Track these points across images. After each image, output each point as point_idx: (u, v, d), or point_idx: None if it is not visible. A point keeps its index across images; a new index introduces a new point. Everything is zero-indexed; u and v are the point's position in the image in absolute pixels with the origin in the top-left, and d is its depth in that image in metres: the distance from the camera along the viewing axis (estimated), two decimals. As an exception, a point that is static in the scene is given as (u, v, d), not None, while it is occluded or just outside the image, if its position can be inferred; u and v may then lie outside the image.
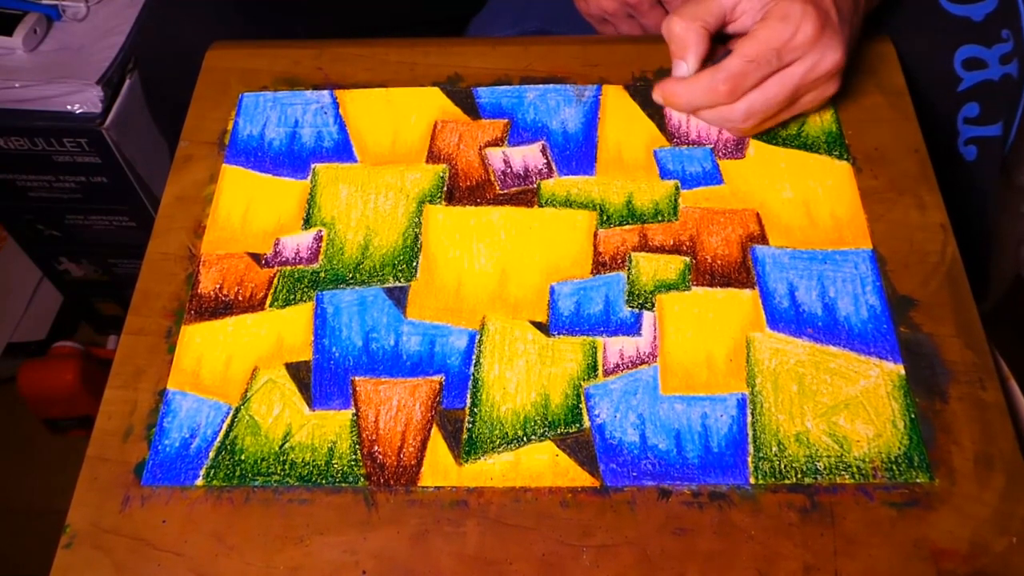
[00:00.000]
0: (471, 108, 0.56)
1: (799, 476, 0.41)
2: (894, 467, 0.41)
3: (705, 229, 0.50)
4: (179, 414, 0.45)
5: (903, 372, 0.44)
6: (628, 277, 0.48)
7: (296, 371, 0.46)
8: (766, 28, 0.48)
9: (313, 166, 0.54)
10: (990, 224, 0.67)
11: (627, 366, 0.45)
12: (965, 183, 0.62)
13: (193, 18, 0.68)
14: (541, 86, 0.57)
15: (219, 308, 0.48)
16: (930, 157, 0.52)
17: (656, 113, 0.55)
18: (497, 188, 0.52)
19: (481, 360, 0.46)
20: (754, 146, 0.53)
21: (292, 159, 0.55)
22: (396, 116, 0.56)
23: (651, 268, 0.48)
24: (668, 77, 0.52)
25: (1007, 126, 0.60)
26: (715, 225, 0.50)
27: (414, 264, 0.49)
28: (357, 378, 0.46)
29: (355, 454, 0.43)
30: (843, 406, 0.43)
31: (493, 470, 0.42)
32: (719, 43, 0.51)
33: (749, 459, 0.42)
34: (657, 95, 0.52)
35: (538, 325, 0.47)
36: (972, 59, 0.58)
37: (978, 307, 0.46)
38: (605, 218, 0.51)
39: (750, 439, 0.43)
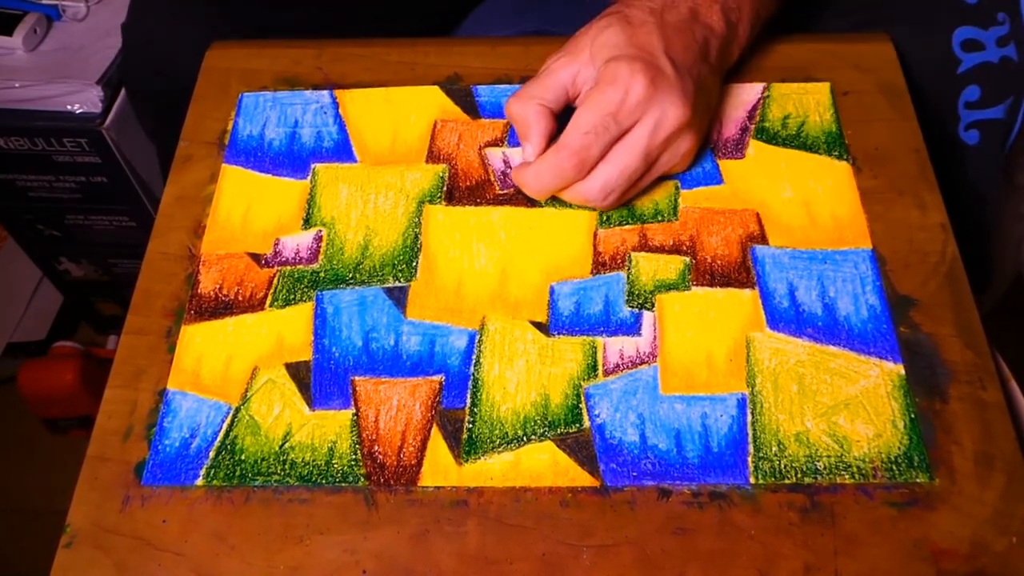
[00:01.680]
0: (471, 107, 0.56)
1: (799, 476, 0.41)
2: (894, 467, 0.41)
3: (705, 229, 0.50)
4: (179, 414, 0.45)
5: (903, 372, 0.44)
6: (628, 277, 0.48)
7: (296, 371, 0.46)
8: (596, 94, 0.46)
9: (313, 166, 0.54)
10: (993, 212, 0.66)
11: (627, 366, 0.45)
12: (967, 171, 0.61)
13: (173, 17, 0.66)
14: (541, 86, 0.57)
15: (219, 308, 0.48)
16: (931, 146, 0.52)
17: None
18: (497, 188, 0.52)
19: (481, 360, 0.46)
20: (754, 146, 0.53)
21: (292, 159, 0.55)
22: (396, 116, 0.56)
23: (651, 268, 0.48)
24: (520, 164, 0.50)
25: (1014, 108, 0.60)
26: (715, 225, 0.50)
27: (414, 264, 0.49)
28: (357, 378, 0.46)
29: (355, 454, 0.43)
30: (843, 406, 0.43)
31: (493, 470, 0.42)
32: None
33: (749, 459, 0.42)
34: (513, 182, 0.51)
35: (538, 325, 0.47)
36: (970, 40, 0.57)
37: (979, 299, 0.46)
38: (605, 218, 0.50)
39: (750, 439, 0.43)
